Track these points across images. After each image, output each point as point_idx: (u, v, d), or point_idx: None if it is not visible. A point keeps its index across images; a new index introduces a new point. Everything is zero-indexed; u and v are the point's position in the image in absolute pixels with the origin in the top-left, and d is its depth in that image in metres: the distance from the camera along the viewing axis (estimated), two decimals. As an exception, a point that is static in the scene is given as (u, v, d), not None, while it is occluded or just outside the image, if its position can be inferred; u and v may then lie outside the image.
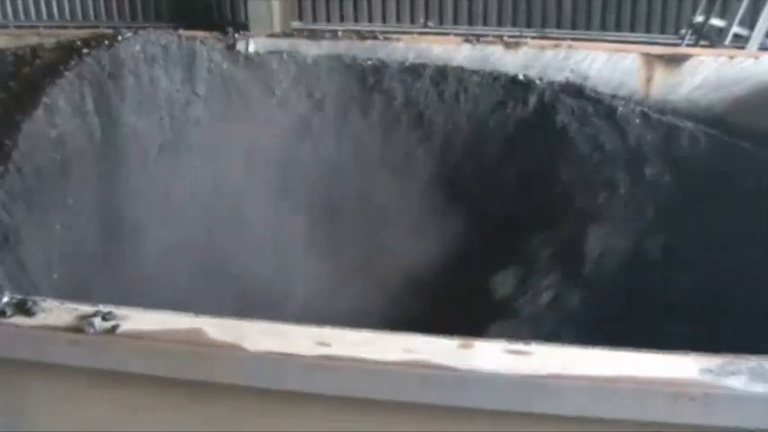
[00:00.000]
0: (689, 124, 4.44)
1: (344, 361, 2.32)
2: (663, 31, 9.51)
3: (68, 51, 4.18)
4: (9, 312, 2.58)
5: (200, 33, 4.77)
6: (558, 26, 9.57)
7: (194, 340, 2.44)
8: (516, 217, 4.55)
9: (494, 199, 4.61)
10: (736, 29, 8.28)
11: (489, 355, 2.29)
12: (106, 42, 4.22)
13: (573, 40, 5.55)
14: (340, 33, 4.94)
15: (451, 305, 4.18)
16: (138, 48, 4.28)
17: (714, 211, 4.13)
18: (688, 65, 4.53)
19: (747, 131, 4.42)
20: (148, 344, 2.47)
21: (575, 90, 4.56)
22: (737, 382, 2.19)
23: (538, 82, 4.58)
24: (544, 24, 9.55)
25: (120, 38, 4.27)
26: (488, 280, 4.40)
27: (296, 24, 9.86)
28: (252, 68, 4.72)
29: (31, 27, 9.75)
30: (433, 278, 4.62)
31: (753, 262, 3.90)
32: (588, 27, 9.57)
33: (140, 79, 4.27)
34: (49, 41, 4.45)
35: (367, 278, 4.65)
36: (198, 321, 2.51)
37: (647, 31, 9.57)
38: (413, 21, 9.88)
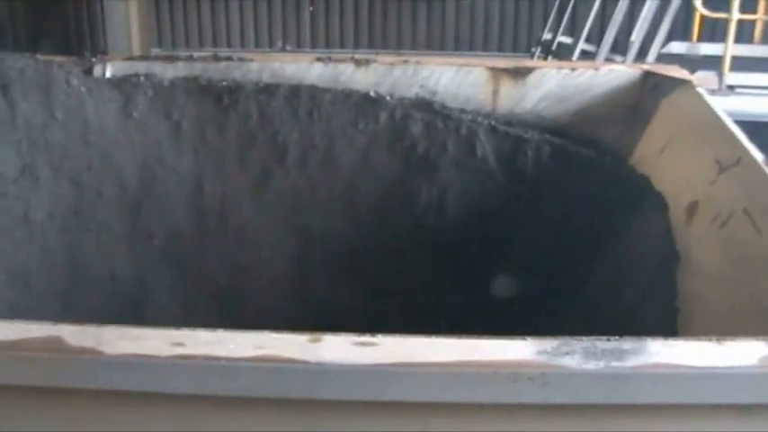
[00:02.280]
0: (534, 134, 4.61)
1: (198, 359, 2.40)
2: (515, 50, 9.76)
3: None
4: None
5: (57, 58, 4.79)
6: (413, 48, 9.75)
7: (52, 347, 2.50)
8: (371, 231, 4.69)
9: (350, 214, 4.72)
10: (583, 45, 8.55)
11: (337, 348, 2.39)
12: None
13: (426, 59, 5.68)
14: (195, 56, 5.01)
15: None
16: None
17: (558, 215, 4.32)
18: (532, 77, 4.70)
19: (590, 140, 4.61)
20: (8, 353, 2.52)
21: (424, 105, 4.69)
22: (572, 361, 2.32)
23: (388, 98, 4.70)
24: (399, 46, 9.72)
25: None
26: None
27: (155, 51, 9.86)
28: (109, 91, 4.75)
29: None
30: (295, 295, 4.71)
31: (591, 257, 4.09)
32: (442, 48, 9.76)
33: None
34: None
35: (229, 297, 4.73)
36: (56, 329, 2.56)
37: (500, 50, 9.81)
38: (271, 45, 9.97)
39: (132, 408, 2.58)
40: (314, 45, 9.94)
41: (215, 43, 10.10)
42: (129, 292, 4.68)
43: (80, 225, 4.59)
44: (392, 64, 4.76)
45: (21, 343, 2.53)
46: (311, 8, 9.91)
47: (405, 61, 4.79)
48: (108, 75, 4.85)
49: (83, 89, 4.65)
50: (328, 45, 9.87)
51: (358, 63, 4.76)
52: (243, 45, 10.07)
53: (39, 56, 4.66)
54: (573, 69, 4.76)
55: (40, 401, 2.63)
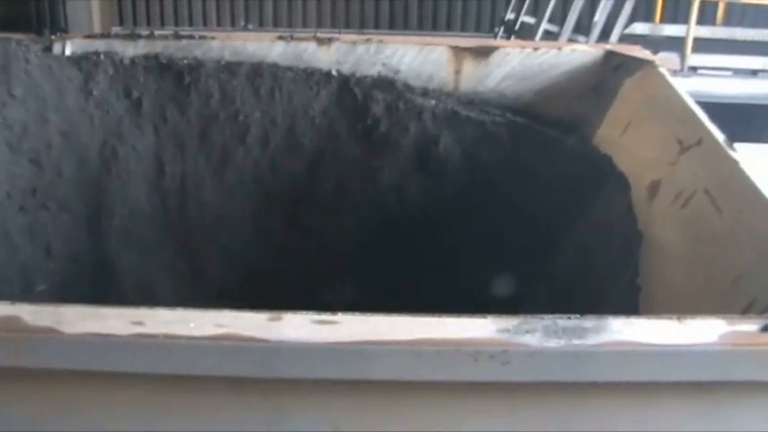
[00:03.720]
0: (496, 114, 4.61)
1: (158, 338, 2.39)
2: (478, 30, 9.77)
3: None
4: None
5: (14, 35, 4.74)
6: (377, 27, 9.75)
7: (11, 327, 2.47)
8: (333, 210, 4.69)
9: (311, 193, 4.72)
10: (546, 26, 8.57)
11: (297, 326, 2.38)
12: None
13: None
14: (156, 34, 4.97)
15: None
16: None
17: (521, 195, 4.33)
18: (495, 56, 4.70)
19: (553, 120, 4.61)
20: (-36, 334, 2.50)
21: (386, 84, 4.68)
22: (533, 339, 2.32)
23: (350, 77, 4.69)
24: (362, 26, 9.72)
25: None
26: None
27: (116, 29, 9.79)
28: (69, 69, 4.71)
29: None
30: (255, 274, 4.71)
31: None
32: (405, 27, 9.76)
33: None
34: None
35: (189, 276, 4.71)
36: (15, 309, 2.54)
37: (463, 30, 9.81)
38: (233, 24, 9.93)
39: (92, 388, 2.56)
40: (276, 24, 9.91)
41: (177, 22, 10.06)
42: (90, 272, 4.65)
43: (39, 204, 4.55)
44: (354, 42, 4.75)
45: (-22, 322, 2.50)
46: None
47: (367, 40, 4.77)
48: (67, 53, 4.81)
49: (41, 67, 4.60)
50: (291, 24, 9.84)
51: (320, 41, 4.74)
52: (205, 24, 10.04)
53: (-6, 34, 4.62)
54: (536, 49, 4.77)
55: (-1, 382, 2.62)
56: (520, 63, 4.69)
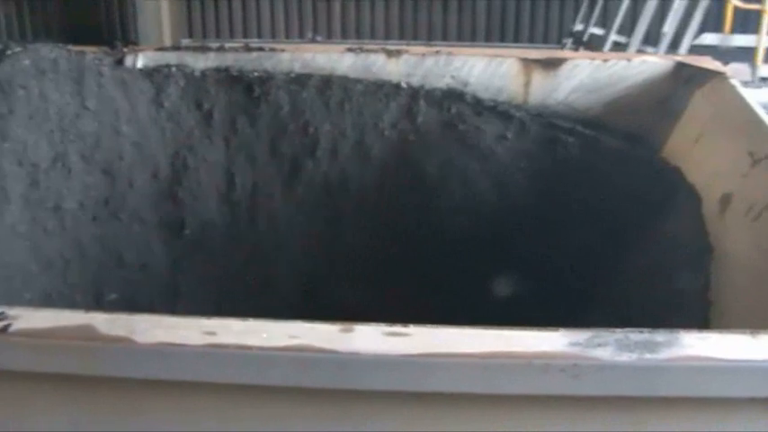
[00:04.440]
0: (565, 126, 4.60)
1: (230, 348, 2.41)
2: (546, 41, 9.74)
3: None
4: None
5: (88, 48, 4.81)
6: (444, 39, 9.74)
7: (86, 336, 2.51)
8: (403, 222, 4.69)
9: (380, 205, 4.72)
10: (614, 37, 8.53)
11: (369, 338, 2.39)
12: (-6, 57, 4.25)
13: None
14: (226, 46, 5.02)
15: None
16: (28, 62, 4.30)
17: (589, 207, 4.31)
18: (564, 68, 4.68)
19: (622, 132, 4.59)
20: (40, 341, 2.54)
21: (455, 96, 4.68)
22: (604, 353, 2.32)
23: (419, 89, 4.70)
24: (430, 37, 9.72)
25: (9, 52, 4.29)
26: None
27: (186, 41, 9.89)
28: (141, 82, 4.77)
29: None
30: (325, 285, 4.72)
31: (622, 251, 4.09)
32: (473, 39, 9.75)
33: (30, 93, 4.28)
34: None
35: (259, 287, 4.74)
36: (89, 317, 2.58)
37: (531, 41, 9.79)
38: (301, 35, 9.98)
39: (163, 397, 2.60)
40: (344, 36, 9.94)
41: (245, 34, 10.11)
42: (160, 282, 4.70)
43: (111, 215, 4.61)
44: (423, 54, 4.76)
45: (54, 331, 2.55)
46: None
47: (436, 52, 4.78)
48: (139, 65, 4.87)
49: (114, 80, 4.66)
50: (359, 36, 9.86)
51: (389, 53, 4.76)
52: (273, 36, 10.08)
53: (71, 47, 4.68)
54: (605, 60, 4.74)
55: (72, 390, 2.66)
56: (589, 75, 4.67)
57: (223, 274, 4.75)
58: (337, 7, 10.03)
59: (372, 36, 9.87)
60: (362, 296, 4.47)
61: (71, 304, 4.27)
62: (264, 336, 2.42)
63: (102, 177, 4.58)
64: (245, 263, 4.75)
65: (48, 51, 4.41)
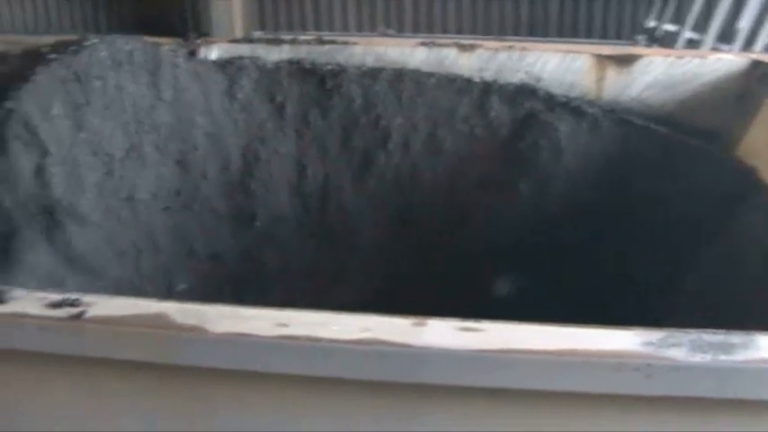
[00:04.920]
0: (638, 123, 4.56)
1: (301, 340, 2.42)
2: (618, 37, 9.66)
3: (35, 57, 4.24)
4: (-22, 301, 2.69)
5: (163, 40, 4.84)
6: (516, 33, 9.71)
7: (159, 324, 2.54)
8: (471, 217, 4.68)
9: (451, 200, 4.71)
10: (688, 33, 8.44)
11: (442, 332, 2.39)
12: (73, 48, 4.28)
13: (529, 45, 5.64)
14: (299, 39, 5.03)
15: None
16: (104, 53, 4.33)
17: (662, 205, 4.27)
18: (638, 65, 4.64)
19: (696, 129, 4.55)
20: (114, 329, 2.57)
21: (528, 91, 4.66)
22: (678, 353, 2.30)
23: (492, 84, 4.68)
24: (502, 31, 9.68)
25: (86, 43, 4.33)
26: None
27: (257, 34, 9.93)
28: (214, 73, 4.80)
29: (-6, 37, 9.74)
30: (393, 279, 4.72)
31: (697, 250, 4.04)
32: (545, 33, 9.70)
33: (106, 84, 4.32)
34: (15, 49, 4.52)
35: (329, 279, 4.75)
36: (162, 306, 2.61)
37: (603, 36, 9.70)
38: (372, 29, 9.98)
39: (233, 387, 2.62)
40: (416, 30, 9.93)
41: (317, 27, 10.11)
42: (231, 273, 4.72)
43: (183, 205, 4.64)
44: (497, 49, 4.74)
45: (127, 319, 2.58)
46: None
47: (510, 47, 4.76)
48: (212, 57, 4.90)
49: (189, 71, 4.69)
50: (430, 30, 9.84)
51: (462, 48, 4.74)
52: (345, 29, 10.08)
53: (145, 38, 4.72)
54: (680, 57, 4.70)
55: (144, 378, 2.69)
56: (663, 72, 4.63)
57: (293, 266, 4.77)
58: (409, 1, 10.00)
59: (444, 30, 9.84)
60: (432, 290, 4.47)
61: (142, 293, 4.30)
62: (336, 328, 2.43)
63: (176, 168, 4.61)
64: (315, 255, 4.76)
65: (124, 43, 4.44)
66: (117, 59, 4.39)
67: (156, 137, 4.53)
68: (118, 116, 4.38)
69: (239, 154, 4.78)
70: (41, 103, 4.06)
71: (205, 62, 4.83)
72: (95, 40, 4.36)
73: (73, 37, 4.54)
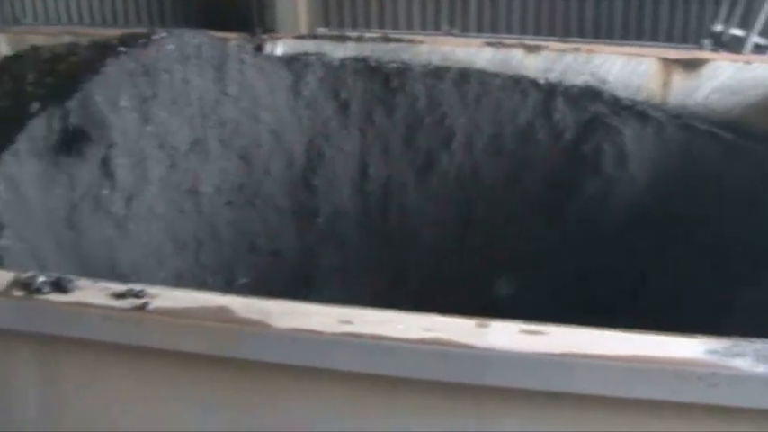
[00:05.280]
0: (703, 128, 4.52)
1: (365, 338, 2.43)
2: (684, 41, 9.56)
3: (104, 49, 4.28)
4: (46, 290, 2.72)
5: (229, 35, 4.87)
6: (581, 35, 9.64)
7: (222, 317, 2.56)
8: (533, 220, 4.65)
9: (513, 202, 4.69)
10: (756, 39, 8.35)
11: (505, 334, 2.39)
12: (142, 41, 4.32)
13: (594, 47, 5.60)
14: (365, 36, 5.04)
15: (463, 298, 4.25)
16: (172, 47, 4.37)
17: (727, 211, 4.23)
18: (705, 69, 4.60)
19: (763, 135, 4.50)
20: (177, 321, 2.59)
21: (593, 94, 4.63)
22: (743, 363, 2.28)
23: (557, 85, 4.66)
24: (566, 33, 9.62)
25: (155, 37, 4.37)
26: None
27: (322, 30, 9.94)
28: (280, 69, 4.81)
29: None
30: (455, 278, 4.71)
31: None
32: (610, 36, 9.62)
33: (174, 78, 4.36)
34: (84, 40, 4.57)
35: (389, 278, 4.75)
36: (225, 300, 2.63)
37: (668, 39, 9.61)
38: (437, 27, 9.96)
39: (295, 382, 2.63)
40: (480, 29, 9.89)
41: (381, 25, 10.10)
42: (291, 268, 4.74)
43: (246, 200, 4.66)
44: (563, 51, 4.72)
45: (190, 311, 2.60)
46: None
47: (576, 49, 4.74)
48: (278, 53, 4.92)
49: (255, 67, 4.71)
50: (494, 30, 9.80)
51: (528, 49, 4.73)
52: (409, 27, 10.06)
53: (212, 33, 4.75)
54: (747, 63, 4.66)
55: (205, 369, 2.70)
56: (731, 77, 4.58)
57: (353, 263, 4.77)
58: (473, 0, 9.97)
59: (508, 30, 9.79)
60: (493, 291, 4.45)
61: (202, 285, 4.34)
62: (400, 327, 2.44)
63: (239, 163, 4.64)
64: (376, 252, 4.76)
65: (191, 37, 4.47)
66: (185, 53, 4.42)
67: (221, 131, 4.56)
68: (184, 110, 4.41)
69: (303, 151, 4.80)
70: (110, 94, 4.10)
71: (271, 58, 4.84)
72: (164, 34, 4.39)
73: (141, 30, 4.58)
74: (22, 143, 3.77)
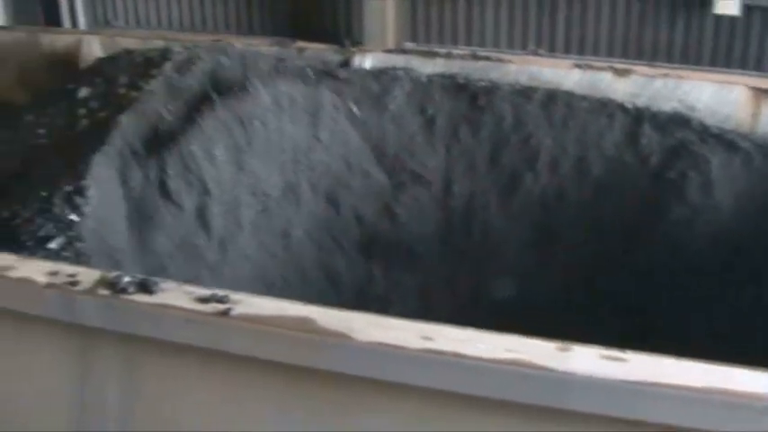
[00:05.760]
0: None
1: (446, 355, 2.44)
2: (774, 70, 9.45)
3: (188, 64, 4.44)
4: (131, 290, 2.77)
5: (317, 46, 4.92)
6: (669, 58, 9.57)
7: (304, 327, 2.58)
8: (615, 244, 4.61)
9: (597, 224, 4.65)
10: None
11: (586, 359, 2.38)
12: (237, 89, 4.43)
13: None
14: (454, 53, 5.05)
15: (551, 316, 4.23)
16: (268, 99, 4.46)
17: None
18: (797, 101, 4.55)
19: None
20: (259, 328, 2.63)
21: (682, 121, 4.58)
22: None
23: (644, 111, 4.62)
24: (654, 56, 9.55)
25: (228, 50, 4.57)
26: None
27: (409, 45, 9.97)
28: (368, 81, 4.84)
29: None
30: (537, 299, 4.68)
31: None
32: (698, 61, 9.54)
33: (268, 127, 4.47)
34: (177, 45, 4.65)
35: (470, 296, 4.73)
36: (308, 310, 2.66)
37: (758, 68, 9.51)
38: (524, 47, 9.94)
39: (373, 395, 2.64)
40: (567, 50, 9.85)
41: (468, 41, 10.09)
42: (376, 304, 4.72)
43: (334, 241, 4.72)
44: (652, 76, 4.70)
45: (273, 319, 2.63)
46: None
47: (665, 74, 4.71)
48: (366, 66, 4.95)
49: (346, 112, 4.75)
50: (581, 51, 9.75)
51: (617, 72, 4.72)
52: (495, 45, 10.04)
53: (299, 43, 4.79)
54: (839, 96, 4.60)
55: (285, 378, 2.73)
56: (822, 109, 4.53)
57: (433, 279, 4.76)
58: (561, 20, 9.92)
59: (594, 52, 9.72)
60: (572, 312, 4.42)
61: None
62: (482, 346, 2.44)
63: (326, 206, 4.71)
64: (456, 269, 4.75)
65: (287, 86, 4.53)
66: (280, 104, 4.50)
67: (311, 175, 4.61)
68: (276, 157, 4.50)
69: (386, 168, 4.83)
70: (205, 146, 4.20)
71: (359, 71, 4.87)
72: (258, 85, 4.47)
73: (217, 37, 4.64)
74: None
